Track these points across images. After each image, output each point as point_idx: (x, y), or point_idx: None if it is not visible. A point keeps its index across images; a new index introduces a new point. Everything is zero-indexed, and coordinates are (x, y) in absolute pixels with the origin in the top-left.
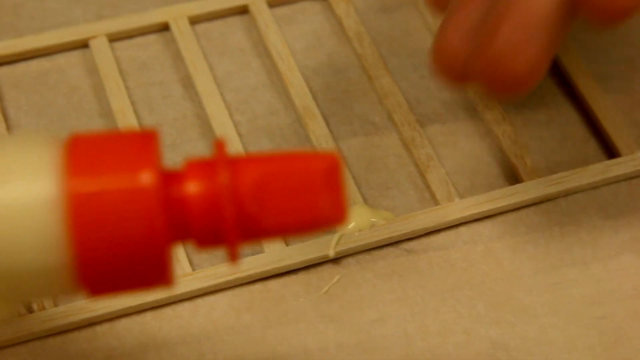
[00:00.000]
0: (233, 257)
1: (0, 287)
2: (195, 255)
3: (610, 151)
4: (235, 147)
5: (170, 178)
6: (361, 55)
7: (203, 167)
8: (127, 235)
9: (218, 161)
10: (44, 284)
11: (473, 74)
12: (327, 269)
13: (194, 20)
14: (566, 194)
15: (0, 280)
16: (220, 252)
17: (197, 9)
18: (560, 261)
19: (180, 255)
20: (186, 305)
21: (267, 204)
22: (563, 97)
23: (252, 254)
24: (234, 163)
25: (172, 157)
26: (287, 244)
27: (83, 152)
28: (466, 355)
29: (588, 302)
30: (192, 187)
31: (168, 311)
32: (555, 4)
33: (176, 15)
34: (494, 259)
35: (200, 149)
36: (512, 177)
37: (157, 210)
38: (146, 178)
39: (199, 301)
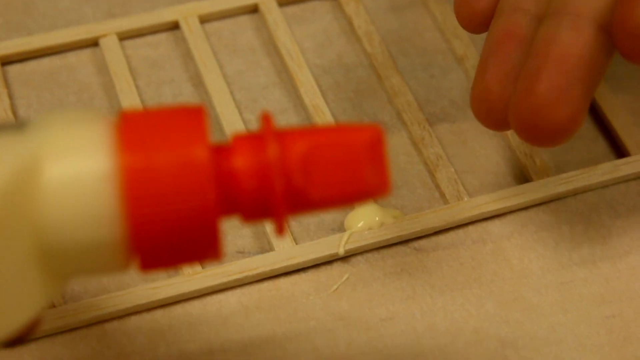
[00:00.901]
0: (280, 229)
1: (55, 262)
2: None
3: (620, 150)
4: None
5: (219, 152)
6: (371, 54)
7: (251, 141)
8: (180, 209)
9: (266, 135)
10: (98, 259)
11: (512, 122)
12: (336, 268)
13: (204, 19)
14: (575, 193)
15: (55, 255)
16: (229, 250)
17: (207, 8)
18: (569, 260)
19: None
20: (196, 303)
21: (313, 176)
22: None
23: (261, 253)
24: (281, 136)
25: None
26: (296, 243)
27: (135, 128)
28: (475, 353)
29: (597, 301)
30: (241, 161)
31: (178, 309)
32: (592, 46)
33: (186, 14)
34: (503, 257)
35: None
36: (521, 176)
37: (209, 184)
38: (199, 152)
39: (209, 299)
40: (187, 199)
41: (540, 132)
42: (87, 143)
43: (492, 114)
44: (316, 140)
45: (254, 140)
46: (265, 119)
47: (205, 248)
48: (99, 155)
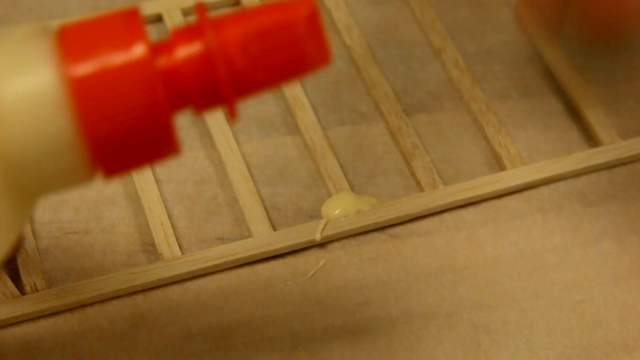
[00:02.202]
0: (232, 114)
1: (21, 183)
2: (185, 240)
3: (592, 140)
4: (225, 134)
5: (161, 48)
6: (350, 46)
7: (189, 33)
8: (131, 109)
9: (202, 24)
10: (62, 172)
11: (574, 17)
12: (313, 254)
13: (187, 12)
14: (548, 181)
15: (20, 176)
16: (208, 234)
17: (189, 1)
18: (542, 247)
19: (171, 240)
20: (176, 288)
21: (255, 58)
22: (546, 88)
23: (240, 239)
24: (218, 24)
25: None
26: (274, 229)
27: (75, 38)
28: (448, 337)
29: (568, 286)
30: (183, 52)
31: (158, 293)
32: None
33: (169, 7)
34: (476, 244)
35: (192, 137)
36: (496, 165)
37: (155, 79)
38: (139, 50)
39: (188, 284)
40: (136, 98)
41: (604, 21)
42: (29, 59)
43: (545, 12)
44: (253, 22)
45: (192, 31)
46: (200, 9)
47: (163, 145)
48: (43, 69)
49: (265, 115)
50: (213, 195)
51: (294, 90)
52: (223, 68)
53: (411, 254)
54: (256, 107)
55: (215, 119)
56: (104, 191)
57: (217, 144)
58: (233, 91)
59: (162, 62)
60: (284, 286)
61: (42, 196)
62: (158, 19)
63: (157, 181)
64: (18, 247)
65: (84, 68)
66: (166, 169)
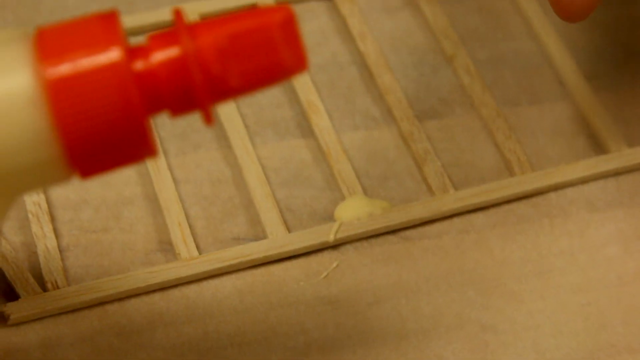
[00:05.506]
0: (208, 118)
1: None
2: (202, 240)
3: (599, 147)
4: (242, 138)
5: (137, 52)
6: (364, 53)
7: (166, 37)
8: (106, 112)
9: (179, 29)
10: (38, 175)
11: None
12: (326, 255)
13: (205, 18)
14: (556, 188)
15: None
16: (224, 235)
17: (207, 7)
18: (549, 251)
19: (188, 240)
20: (192, 287)
21: (231, 63)
22: (555, 95)
23: (256, 240)
24: (194, 29)
25: (182, 146)
26: (289, 231)
27: (52, 41)
28: (457, 337)
29: (574, 289)
30: (159, 57)
31: (175, 292)
32: None
33: (188, 13)
34: (485, 247)
35: (209, 139)
36: (505, 170)
37: (130, 82)
38: (114, 53)
39: (205, 283)
40: (111, 101)
41: None
42: (5, 63)
43: None
44: (230, 28)
45: (169, 36)
46: (177, 14)
47: (138, 147)
48: (19, 73)
49: (281, 119)
50: (229, 196)
51: (309, 95)
52: (198, 73)
53: (422, 256)
54: (272, 111)
55: (232, 121)
56: (124, 192)
57: (233, 147)
58: (208, 96)
59: (138, 65)
60: (297, 286)
61: (19, 195)
62: None
63: (175, 182)
64: None
65: (60, 70)
66: (184, 170)
